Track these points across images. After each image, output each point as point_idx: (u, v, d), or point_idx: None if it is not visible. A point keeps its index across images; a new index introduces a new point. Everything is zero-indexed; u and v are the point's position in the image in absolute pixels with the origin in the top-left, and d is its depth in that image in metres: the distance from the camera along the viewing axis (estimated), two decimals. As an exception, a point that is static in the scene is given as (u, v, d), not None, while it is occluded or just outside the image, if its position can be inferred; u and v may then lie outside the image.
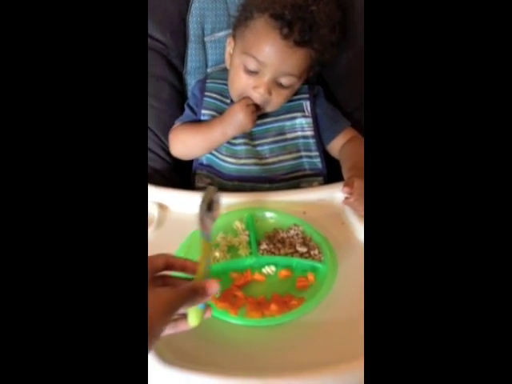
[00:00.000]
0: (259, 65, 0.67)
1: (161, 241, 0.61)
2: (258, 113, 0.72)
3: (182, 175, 0.79)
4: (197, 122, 0.76)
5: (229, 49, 0.73)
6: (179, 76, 0.81)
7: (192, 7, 0.76)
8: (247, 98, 0.70)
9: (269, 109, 0.73)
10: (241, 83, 0.70)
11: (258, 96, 0.69)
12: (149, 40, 0.75)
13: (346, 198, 0.61)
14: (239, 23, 0.70)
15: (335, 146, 0.76)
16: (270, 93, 0.69)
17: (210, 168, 0.76)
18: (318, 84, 0.81)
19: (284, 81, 0.68)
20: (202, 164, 0.77)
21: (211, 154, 0.76)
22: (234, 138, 0.74)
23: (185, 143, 0.75)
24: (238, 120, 0.70)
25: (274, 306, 0.50)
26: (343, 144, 0.75)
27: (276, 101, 0.71)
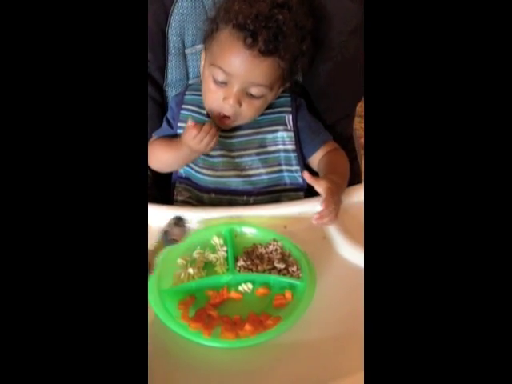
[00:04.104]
0: (227, 76, 0.66)
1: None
2: (229, 125, 0.72)
3: (161, 188, 0.78)
4: (171, 136, 0.74)
5: (203, 62, 0.73)
6: (159, 89, 0.80)
7: (171, 19, 0.75)
8: (193, 124, 0.65)
9: (241, 121, 0.72)
10: (211, 95, 0.69)
11: (228, 107, 0.68)
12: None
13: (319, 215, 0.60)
14: (207, 36, 0.69)
15: (316, 160, 0.75)
16: (239, 104, 0.68)
17: (188, 180, 0.75)
18: (300, 95, 0.80)
19: (254, 91, 0.67)
20: (181, 177, 0.76)
21: (188, 166, 0.74)
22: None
23: (158, 159, 0.74)
24: (192, 149, 0.68)
25: (248, 327, 0.48)
26: (323, 156, 0.74)
27: (248, 112, 0.70)
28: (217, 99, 0.68)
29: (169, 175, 0.77)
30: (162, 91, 0.80)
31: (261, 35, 0.62)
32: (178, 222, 0.52)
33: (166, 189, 0.77)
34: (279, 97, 0.75)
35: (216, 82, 0.67)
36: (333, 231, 0.63)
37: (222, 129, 0.72)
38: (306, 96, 0.80)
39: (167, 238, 0.51)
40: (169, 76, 0.79)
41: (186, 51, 0.79)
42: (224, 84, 0.67)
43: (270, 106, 0.74)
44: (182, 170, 0.75)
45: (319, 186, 0.61)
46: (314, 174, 0.75)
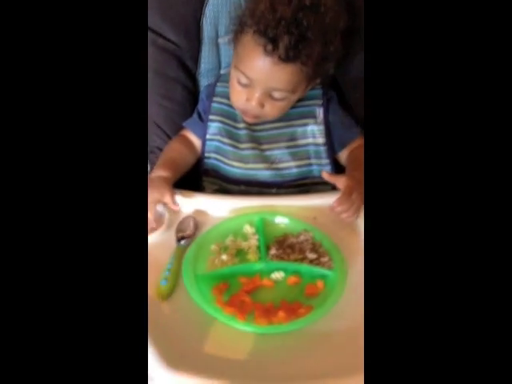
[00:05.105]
0: (249, 80, 0.67)
1: (171, 242, 0.61)
2: (254, 121, 0.73)
3: (190, 175, 0.79)
4: (186, 142, 0.78)
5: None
6: (192, 77, 0.81)
7: (206, 9, 0.75)
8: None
9: (267, 119, 0.73)
10: (236, 94, 0.71)
11: (251, 108, 0.69)
12: (162, 41, 0.75)
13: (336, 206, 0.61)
14: (234, 35, 0.70)
15: (344, 155, 0.76)
16: (262, 105, 0.69)
17: (216, 173, 0.76)
18: (332, 87, 0.80)
19: (276, 95, 0.68)
20: (206, 169, 0.77)
21: (216, 159, 0.76)
22: (241, 142, 0.74)
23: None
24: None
25: (282, 314, 0.49)
26: (350, 152, 0.75)
27: (271, 112, 0.70)
28: (241, 99, 0.70)
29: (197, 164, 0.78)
30: (194, 80, 0.81)
31: (282, 41, 0.61)
32: None
33: (195, 177, 0.78)
34: (310, 89, 0.75)
35: (240, 83, 0.68)
36: (362, 224, 0.63)
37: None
38: (338, 88, 0.80)
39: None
40: (202, 65, 0.80)
41: (218, 40, 0.79)
42: (247, 86, 0.68)
43: (300, 99, 0.74)
44: (208, 164, 0.77)
45: (339, 184, 0.62)
46: (343, 169, 0.76)
